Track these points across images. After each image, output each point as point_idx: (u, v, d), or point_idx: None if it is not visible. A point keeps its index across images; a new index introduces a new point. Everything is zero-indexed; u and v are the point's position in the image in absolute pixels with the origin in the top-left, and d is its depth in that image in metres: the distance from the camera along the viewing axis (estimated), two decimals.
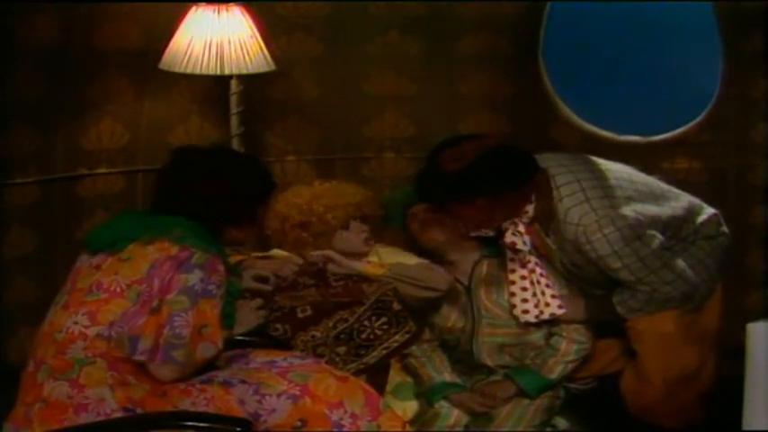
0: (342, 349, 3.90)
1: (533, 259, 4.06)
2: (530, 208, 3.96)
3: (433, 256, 4.20)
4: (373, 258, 4.21)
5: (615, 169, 4.04)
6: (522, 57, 4.96)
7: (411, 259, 4.18)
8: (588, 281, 4.10)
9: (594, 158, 4.09)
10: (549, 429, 4.10)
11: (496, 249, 4.16)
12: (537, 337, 4.14)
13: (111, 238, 3.42)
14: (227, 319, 3.44)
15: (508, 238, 4.00)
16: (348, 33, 4.90)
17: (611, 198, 3.90)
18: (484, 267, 4.18)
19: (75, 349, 3.27)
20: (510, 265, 4.09)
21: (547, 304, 4.07)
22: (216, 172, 3.51)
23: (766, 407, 2.84)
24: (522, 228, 3.99)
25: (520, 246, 4.00)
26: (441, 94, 5.00)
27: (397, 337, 3.96)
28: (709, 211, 4.14)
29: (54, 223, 4.64)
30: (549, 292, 4.07)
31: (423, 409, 4.06)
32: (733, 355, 3.26)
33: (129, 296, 3.31)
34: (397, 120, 5.01)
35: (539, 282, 4.07)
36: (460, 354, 4.17)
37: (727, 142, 4.99)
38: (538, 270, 4.07)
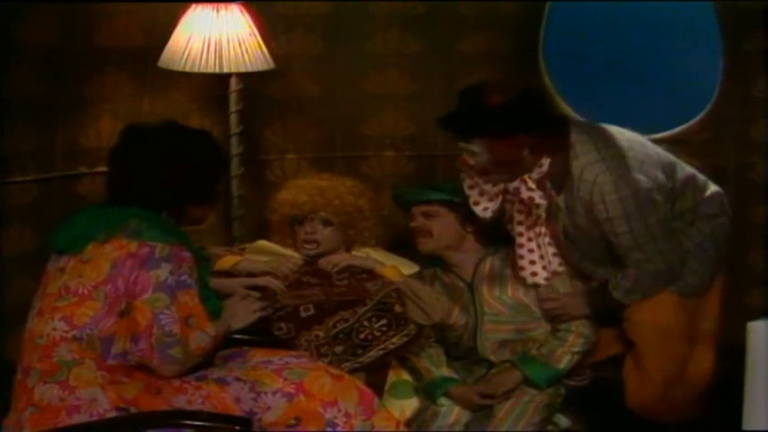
0: (339, 348, 3.90)
1: (542, 220, 4.01)
2: (545, 161, 3.92)
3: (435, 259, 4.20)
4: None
5: (626, 132, 4.03)
6: (523, 55, 4.95)
7: (409, 266, 4.20)
8: (583, 249, 4.04)
9: (605, 125, 4.07)
10: (550, 427, 4.09)
11: (500, 246, 4.17)
12: (540, 333, 4.13)
13: (70, 237, 3.39)
14: (209, 302, 3.41)
15: (525, 193, 3.93)
16: (348, 32, 4.89)
17: (626, 159, 3.88)
18: (487, 265, 4.18)
19: (61, 352, 3.26)
20: (517, 229, 4.05)
21: (550, 263, 4.05)
22: (171, 152, 3.45)
23: (766, 407, 2.83)
24: (532, 184, 3.94)
25: (538, 200, 3.94)
26: (441, 93, 4.98)
27: (394, 339, 3.96)
28: (713, 188, 4.12)
29: (53, 222, 4.59)
30: (550, 250, 4.04)
31: (423, 405, 4.05)
32: (733, 354, 3.25)
33: (97, 298, 3.29)
34: (396, 118, 5.00)
35: (544, 243, 4.04)
36: (462, 350, 4.16)
37: (727, 140, 4.98)
38: (543, 230, 4.04)
